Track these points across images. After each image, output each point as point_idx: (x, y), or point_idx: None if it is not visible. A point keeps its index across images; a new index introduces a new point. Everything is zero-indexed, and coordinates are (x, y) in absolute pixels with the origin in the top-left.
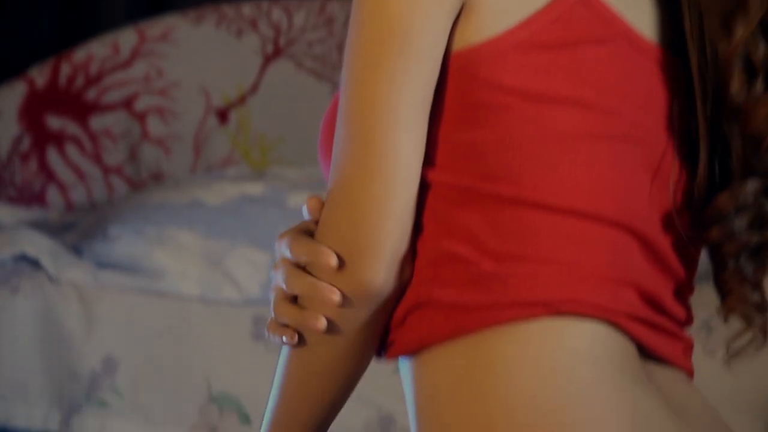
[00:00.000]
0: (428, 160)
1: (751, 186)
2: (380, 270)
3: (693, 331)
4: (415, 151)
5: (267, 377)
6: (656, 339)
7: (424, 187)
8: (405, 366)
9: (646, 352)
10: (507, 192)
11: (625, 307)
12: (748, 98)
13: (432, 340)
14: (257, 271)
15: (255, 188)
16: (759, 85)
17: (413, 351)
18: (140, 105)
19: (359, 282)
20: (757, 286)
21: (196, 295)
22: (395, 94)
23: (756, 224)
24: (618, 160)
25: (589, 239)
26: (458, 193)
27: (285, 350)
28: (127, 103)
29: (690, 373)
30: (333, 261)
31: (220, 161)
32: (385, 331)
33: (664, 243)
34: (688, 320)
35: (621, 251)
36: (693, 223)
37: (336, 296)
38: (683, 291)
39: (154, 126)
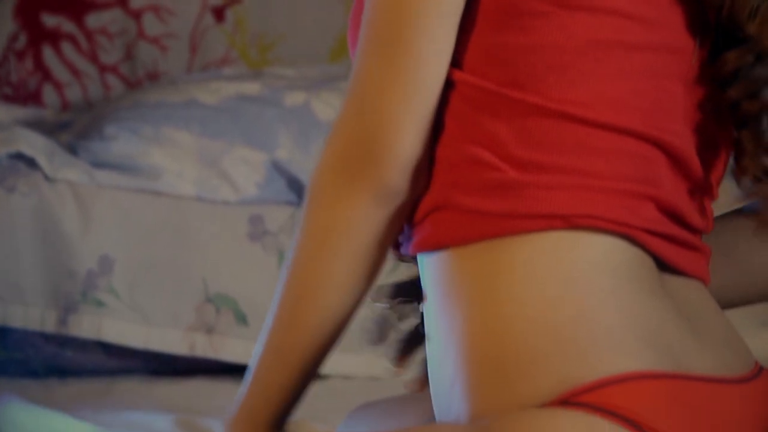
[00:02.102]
0: (459, 63)
1: (755, 45)
2: (396, 170)
3: None
4: (440, 61)
5: (263, 277)
6: (673, 251)
7: (452, 89)
8: (423, 263)
9: (662, 262)
10: (534, 100)
11: (643, 221)
12: None
13: (449, 242)
14: (254, 170)
15: (252, 88)
16: None
17: (430, 249)
18: (136, 3)
19: (373, 181)
20: None
21: (192, 195)
22: (422, 6)
23: None
24: (651, 70)
25: (614, 152)
26: (486, 98)
27: (288, 264)
28: (123, 1)
29: (706, 281)
30: None
31: (217, 60)
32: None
33: (692, 154)
34: (708, 227)
35: (646, 165)
36: (715, 93)
37: None
38: (706, 199)
39: (150, 24)
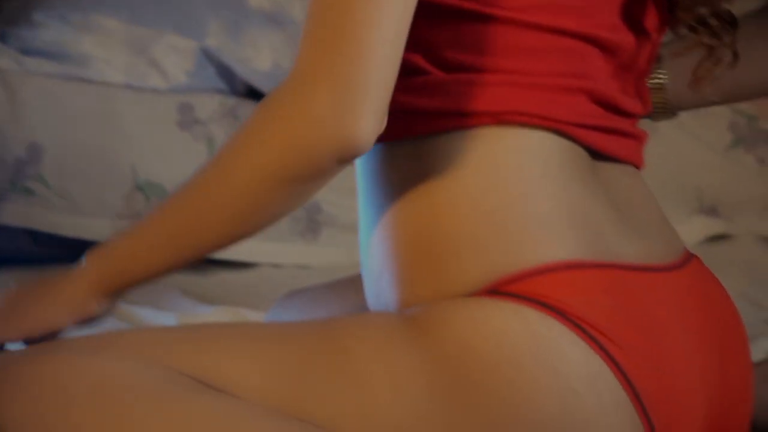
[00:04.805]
0: None
1: None
2: (376, 130)
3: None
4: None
5: (193, 165)
6: (606, 140)
7: None
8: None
9: (595, 151)
10: (467, 6)
11: (573, 115)
12: None
13: (380, 138)
14: (184, 58)
15: None
16: None
17: None
18: None
19: (358, 144)
20: (710, 3)
21: (121, 83)
22: None
23: None
24: None
25: (544, 50)
26: (420, 5)
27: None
28: None
29: (639, 166)
30: None
31: None
32: None
33: (628, 43)
34: (646, 109)
35: (578, 60)
36: None
37: None
38: (643, 82)
39: None
